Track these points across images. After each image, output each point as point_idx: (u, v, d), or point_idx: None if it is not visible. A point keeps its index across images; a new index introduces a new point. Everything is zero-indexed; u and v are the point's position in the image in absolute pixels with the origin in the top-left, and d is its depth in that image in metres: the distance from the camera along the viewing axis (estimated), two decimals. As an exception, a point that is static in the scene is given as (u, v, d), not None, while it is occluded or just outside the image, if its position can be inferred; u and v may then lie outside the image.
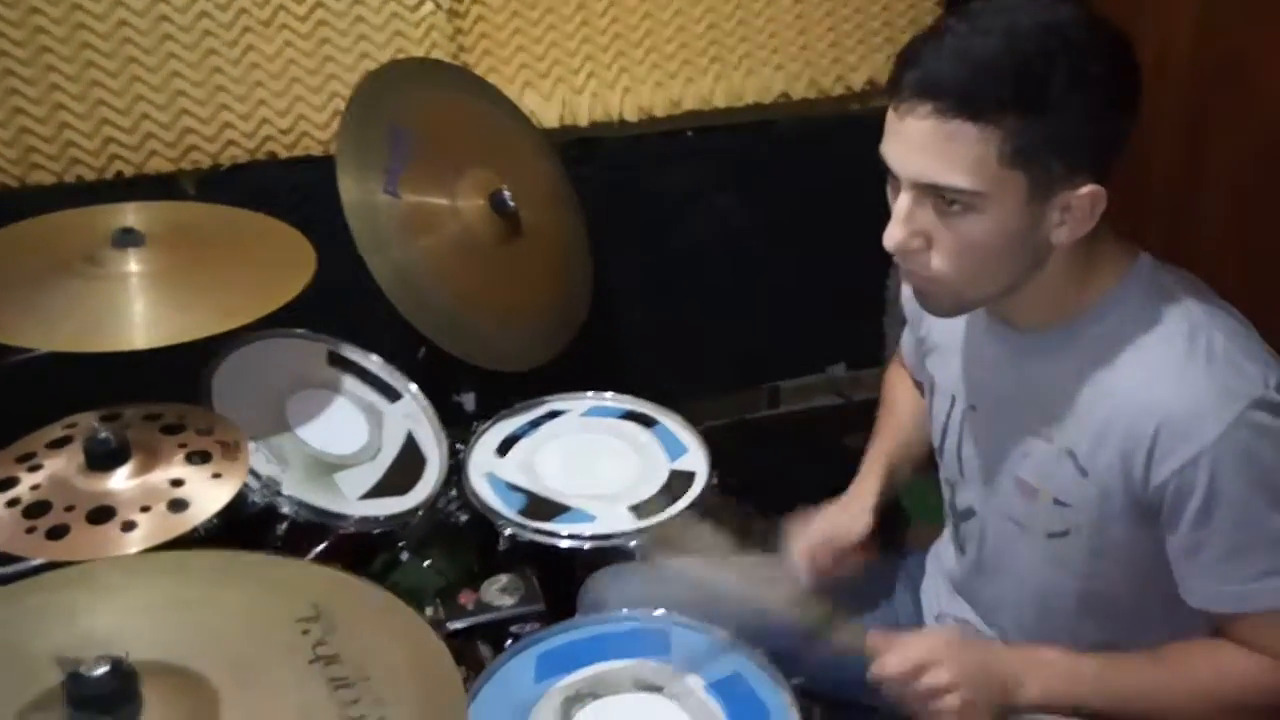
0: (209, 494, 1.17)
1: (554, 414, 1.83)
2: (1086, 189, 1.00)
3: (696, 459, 1.74)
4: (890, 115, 1.02)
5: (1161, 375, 1.04)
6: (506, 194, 1.75)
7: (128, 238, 1.38)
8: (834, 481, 1.46)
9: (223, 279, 1.40)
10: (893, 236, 1.03)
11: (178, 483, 1.18)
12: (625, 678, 1.30)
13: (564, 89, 2.07)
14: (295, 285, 1.41)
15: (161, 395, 1.43)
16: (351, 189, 1.60)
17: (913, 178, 1.00)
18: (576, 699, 1.27)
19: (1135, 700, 1.12)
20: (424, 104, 1.77)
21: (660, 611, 1.38)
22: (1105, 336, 1.08)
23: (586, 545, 1.56)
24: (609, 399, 1.87)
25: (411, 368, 1.73)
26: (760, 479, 2.20)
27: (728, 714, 1.26)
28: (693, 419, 1.83)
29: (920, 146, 0.99)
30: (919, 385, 1.43)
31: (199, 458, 1.22)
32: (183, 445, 1.23)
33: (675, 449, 1.77)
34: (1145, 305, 1.07)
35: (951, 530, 1.33)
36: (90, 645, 0.70)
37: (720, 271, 2.33)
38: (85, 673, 0.69)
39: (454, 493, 1.63)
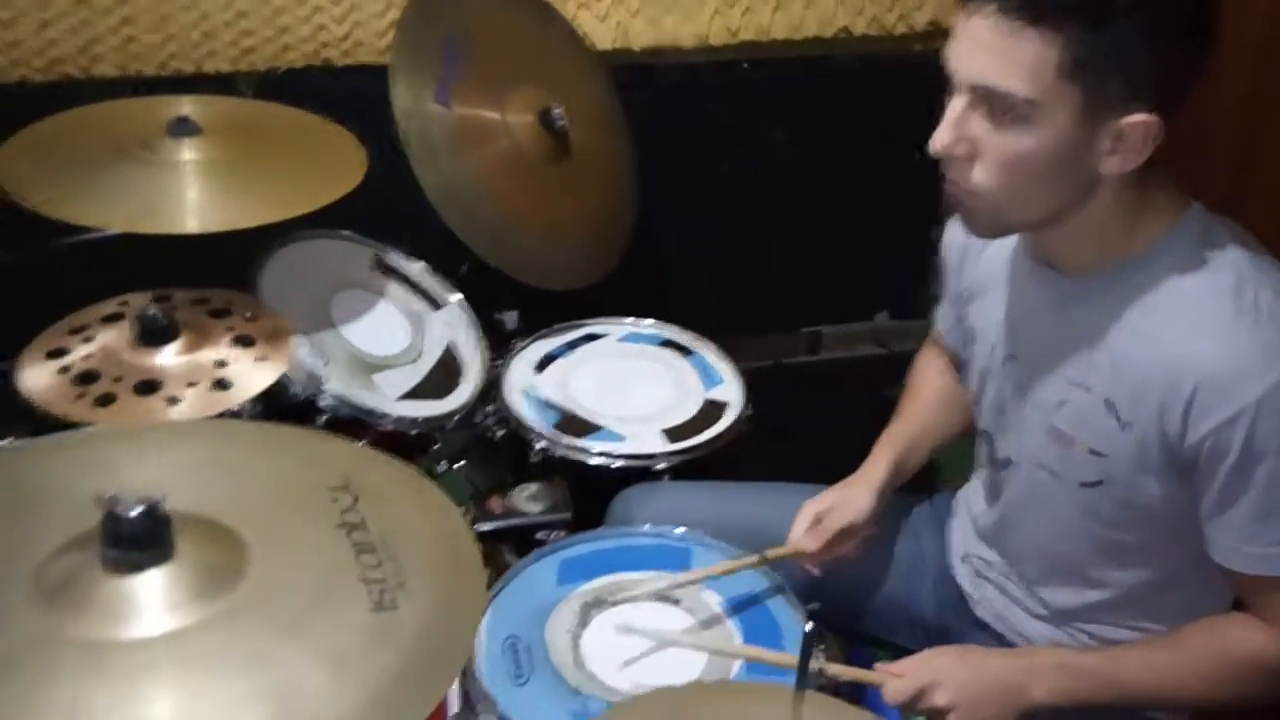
0: (252, 376, 1.20)
1: (592, 337, 1.84)
2: (1142, 117, 0.97)
3: (732, 390, 1.75)
4: (958, 17, 1.00)
5: (1204, 329, 1.02)
6: (557, 112, 1.75)
7: (184, 127, 1.40)
8: (871, 433, 1.45)
9: (274, 172, 1.43)
10: (940, 139, 1.01)
11: (222, 363, 1.21)
12: (644, 587, 1.32)
13: (620, 11, 2.05)
14: (345, 184, 1.43)
15: (211, 284, 1.46)
16: (404, 96, 1.61)
17: (969, 79, 0.99)
18: (596, 603, 1.30)
19: (1142, 687, 1.12)
20: (479, 16, 1.76)
21: (683, 529, 1.40)
22: (1150, 284, 1.06)
23: (616, 463, 1.58)
24: (648, 326, 1.88)
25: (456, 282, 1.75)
26: (795, 425, 2.21)
27: (741, 629, 1.28)
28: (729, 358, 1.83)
29: (981, 46, 0.97)
30: (955, 361, 1.41)
31: (244, 342, 1.25)
32: (230, 329, 1.26)
33: (711, 378, 1.78)
34: (1193, 255, 1.05)
35: (986, 479, 1.32)
36: (130, 492, 0.72)
37: (766, 210, 2.32)
38: (122, 512, 0.72)
39: (491, 407, 1.66)
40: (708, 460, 1.66)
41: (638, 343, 1.85)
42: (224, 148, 1.42)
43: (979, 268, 1.25)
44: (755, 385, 1.77)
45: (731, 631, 1.28)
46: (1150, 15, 0.95)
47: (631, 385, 1.74)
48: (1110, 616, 1.23)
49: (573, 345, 1.82)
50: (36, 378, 1.15)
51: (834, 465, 1.53)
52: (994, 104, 0.98)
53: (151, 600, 0.73)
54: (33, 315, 1.41)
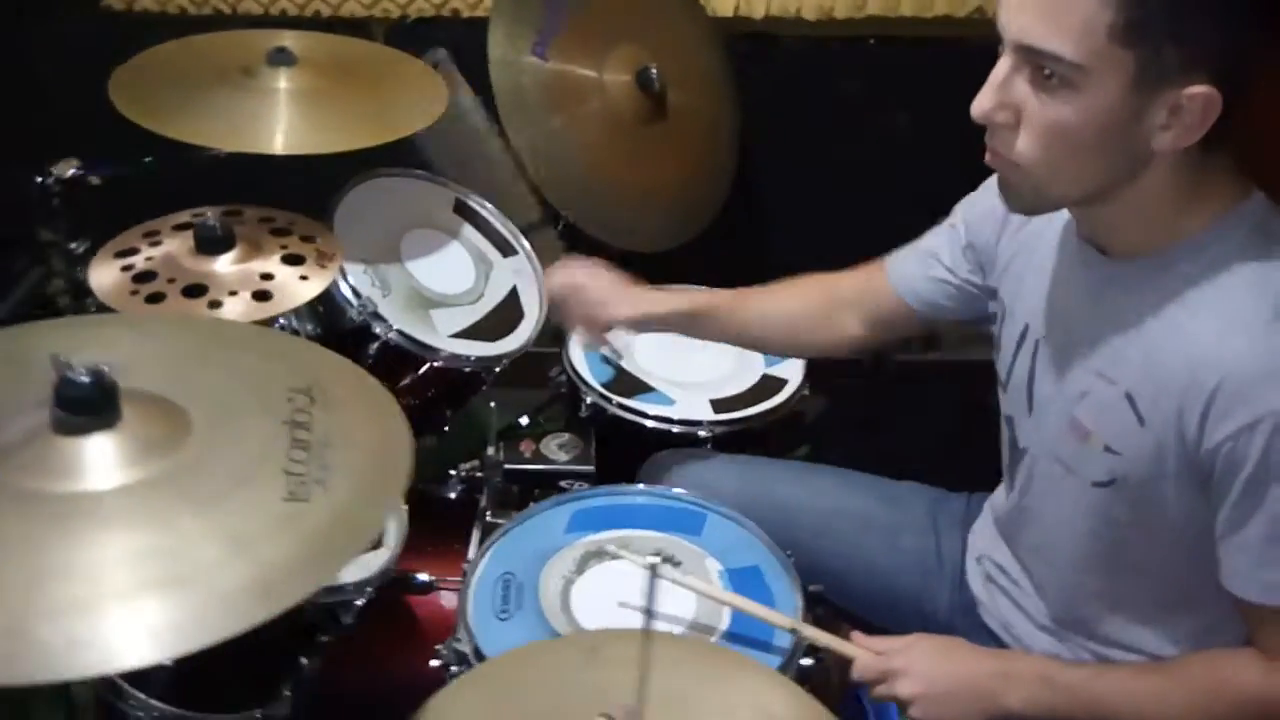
0: (292, 291, 1.28)
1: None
2: (1200, 89, 0.89)
3: (793, 367, 1.73)
4: None
5: (1237, 327, 0.94)
6: (654, 72, 1.76)
7: (281, 56, 1.49)
8: (963, 438, 1.41)
9: (358, 103, 1.50)
10: (981, 103, 0.95)
11: (268, 276, 1.29)
12: (648, 546, 1.32)
13: (744, -23, 2.04)
14: (424, 119, 1.50)
15: (296, 207, 1.56)
16: (500, 45, 1.66)
17: (1014, 38, 0.93)
18: (596, 554, 1.31)
19: (1123, 711, 1.05)
20: (590, -28, 1.79)
21: (697, 495, 1.39)
22: (1194, 275, 0.98)
23: (659, 425, 1.59)
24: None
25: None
26: (886, 420, 2.15)
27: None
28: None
29: (1029, 4, 0.91)
30: (900, 304, 1.35)
31: (293, 260, 1.32)
32: (284, 246, 1.34)
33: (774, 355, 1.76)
34: (1245, 248, 0.97)
35: (1006, 466, 1.26)
36: (81, 360, 0.79)
37: (881, 196, 2.24)
38: (73, 376, 0.79)
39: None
40: (758, 435, 1.65)
41: (711, 313, 1.84)
42: (316, 78, 1.50)
43: (1018, 239, 1.18)
44: (852, 378, 1.73)
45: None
46: None
47: (693, 353, 1.74)
48: (1116, 634, 1.15)
49: (645, 309, 1.82)
50: (103, 273, 1.26)
51: (918, 463, 1.50)
52: (1040, 67, 0.92)
53: (94, 461, 0.80)
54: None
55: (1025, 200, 1.02)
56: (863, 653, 1.14)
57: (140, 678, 1.17)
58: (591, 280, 1.49)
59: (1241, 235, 0.97)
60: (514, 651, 0.96)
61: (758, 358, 1.75)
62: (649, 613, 0.72)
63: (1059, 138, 0.94)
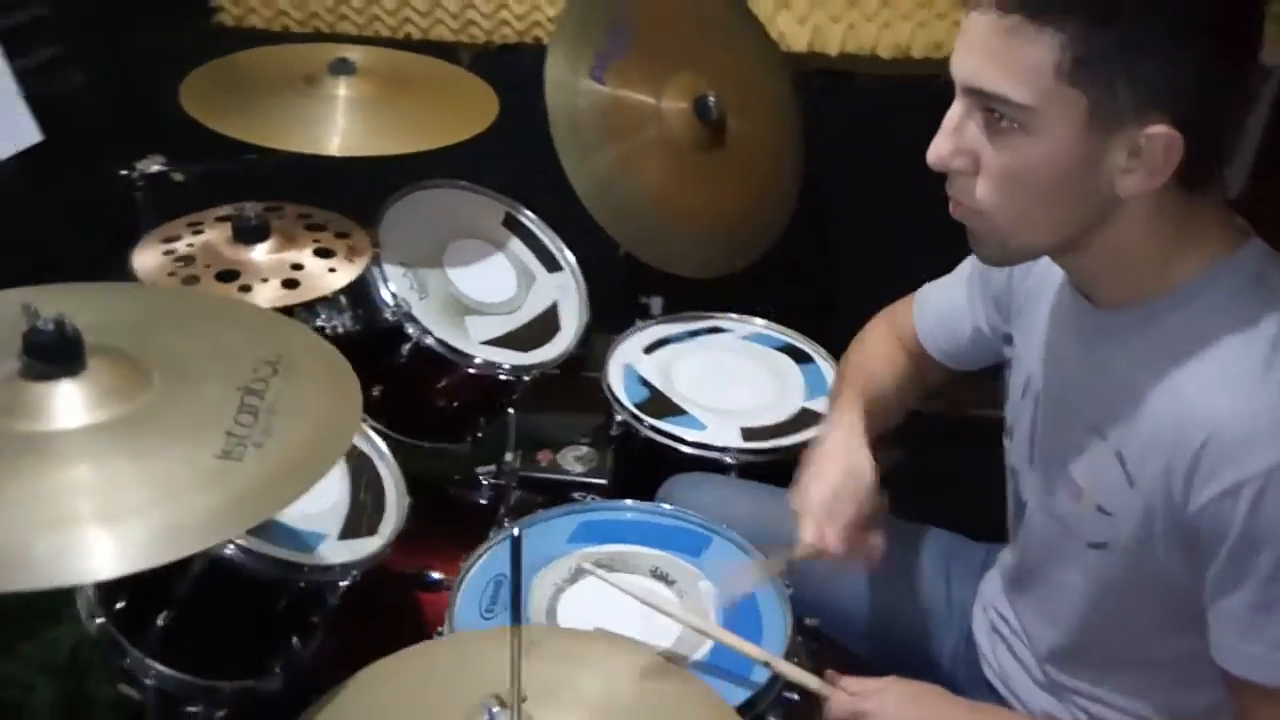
0: (318, 281, 1.34)
1: (716, 330, 1.84)
2: (1158, 129, 0.84)
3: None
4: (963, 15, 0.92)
5: (1226, 383, 0.88)
6: (712, 100, 1.76)
7: (342, 66, 1.57)
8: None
9: (412, 111, 1.57)
10: (936, 150, 0.91)
11: (298, 266, 1.35)
12: (646, 563, 1.31)
13: (820, 14, 2.03)
14: (473, 129, 1.55)
15: (353, 210, 1.63)
16: (559, 67, 1.69)
17: (963, 81, 0.89)
18: (592, 566, 1.30)
19: None
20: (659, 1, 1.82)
21: (709, 520, 1.37)
22: (1184, 326, 0.92)
23: (685, 449, 1.57)
24: (774, 329, 1.85)
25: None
26: (946, 475, 2.08)
27: (721, 620, 1.24)
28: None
29: (976, 45, 0.87)
30: (923, 356, 1.30)
31: (324, 253, 1.38)
32: (317, 240, 1.41)
33: (817, 388, 1.72)
34: (1238, 298, 0.90)
35: (1010, 519, 1.20)
36: (47, 310, 0.85)
37: (954, 244, 2.19)
38: (40, 325, 0.84)
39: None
40: (785, 467, 1.61)
41: (759, 343, 1.82)
42: (373, 87, 1.58)
43: (1028, 284, 1.13)
44: (916, 429, 1.67)
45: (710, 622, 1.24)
46: (1166, 16, 0.82)
47: (732, 381, 1.72)
48: (1114, 698, 1.07)
49: (694, 334, 1.82)
50: (147, 256, 1.34)
51: (968, 518, 1.45)
52: (991, 110, 0.88)
53: (57, 405, 0.85)
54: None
55: (992, 250, 0.97)
56: (836, 692, 1.10)
57: (141, 641, 1.23)
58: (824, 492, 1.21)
59: (1234, 284, 0.91)
60: (451, 637, 0.95)
61: (798, 390, 1.72)
62: (516, 608, 0.71)
63: (1016, 183, 0.90)
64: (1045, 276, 1.10)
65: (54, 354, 0.85)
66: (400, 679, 0.89)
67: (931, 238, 2.27)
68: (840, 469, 1.20)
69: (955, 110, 0.91)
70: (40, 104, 1.68)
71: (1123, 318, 0.96)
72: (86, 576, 0.74)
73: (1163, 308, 0.93)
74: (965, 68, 0.89)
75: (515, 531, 0.70)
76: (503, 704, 0.77)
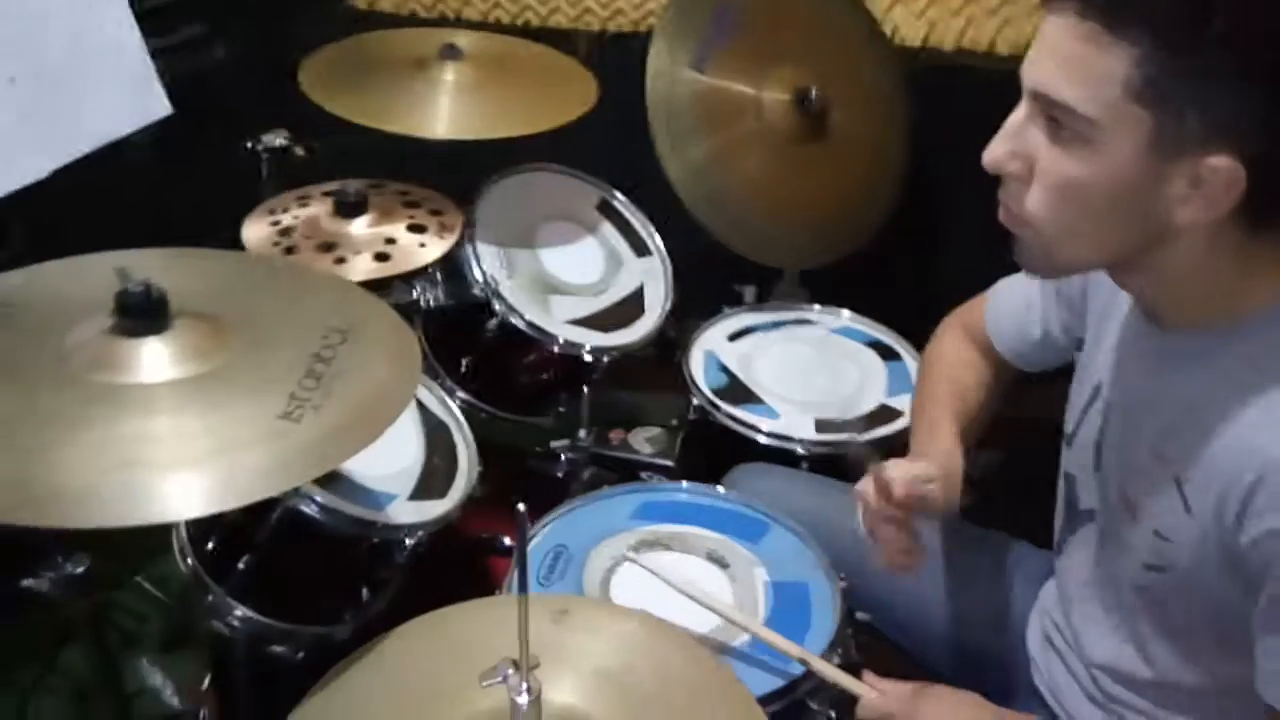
0: (409, 255, 1.41)
1: (803, 322, 1.85)
2: (1222, 161, 0.82)
3: (909, 400, 1.67)
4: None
5: None
6: (813, 93, 1.76)
7: (451, 52, 1.64)
8: None
9: (515, 96, 1.63)
10: (993, 152, 0.91)
11: (391, 240, 1.43)
12: (702, 545, 1.34)
13: (938, 9, 1.99)
14: (574, 112, 1.61)
15: (454, 189, 1.70)
16: (660, 56, 1.72)
17: (1031, 85, 0.89)
18: (649, 544, 1.34)
19: None
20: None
21: (770, 509, 1.38)
22: (1249, 359, 0.89)
23: (758, 437, 1.59)
24: (863, 323, 1.84)
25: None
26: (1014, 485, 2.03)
27: (769, 611, 1.26)
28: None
29: (1049, 50, 0.87)
30: (996, 359, 1.28)
31: (417, 229, 1.45)
32: (411, 217, 1.48)
33: (900, 385, 1.71)
34: None
35: (1060, 527, 1.18)
36: (138, 274, 0.93)
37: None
38: (130, 287, 0.93)
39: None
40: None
41: (847, 336, 1.82)
42: (479, 72, 1.65)
43: (1103, 292, 1.10)
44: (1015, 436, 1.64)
45: (760, 610, 1.26)
46: (1245, 49, 0.79)
47: (814, 373, 1.73)
48: (1166, 716, 1.05)
49: (778, 325, 1.83)
50: (255, 228, 1.44)
51: (1032, 524, 1.43)
52: (1054, 116, 0.87)
53: (142, 360, 0.93)
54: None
55: (1037, 261, 0.96)
56: (868, 692, 1.10)
57: (225, 582, 1.33)
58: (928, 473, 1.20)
59: None
60: (482, 600, 1.01)
61: (880, 385, 1.71)
62: (523, 574, 0.75)
63: (1069, 194, 0.88)
64: (1115, 287, 1.08)
65: (141, 314, 0.93)
66: (432, 636, 0.94)
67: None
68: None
69: (1018, 113, 0.90)
70: (180, 80, 1.82)
71: (1188, 342, 0.94)
72: (148, 518, 0.81)
73: (1228, 338, 0.91)
74: (1036, 71, 0.88)
75: (521, 506, 0.74)
76: (517, 667, 0.82)
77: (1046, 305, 1.21)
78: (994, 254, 2.24)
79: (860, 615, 1.28)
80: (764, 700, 1.11)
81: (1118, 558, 1.04)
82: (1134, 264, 0.92)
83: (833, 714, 1.15)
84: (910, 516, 1.18)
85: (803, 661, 1.14)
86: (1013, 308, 1.27)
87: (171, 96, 1.56)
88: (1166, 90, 0.81)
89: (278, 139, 1.76)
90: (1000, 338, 1.28)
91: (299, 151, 1.77)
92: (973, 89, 2.06)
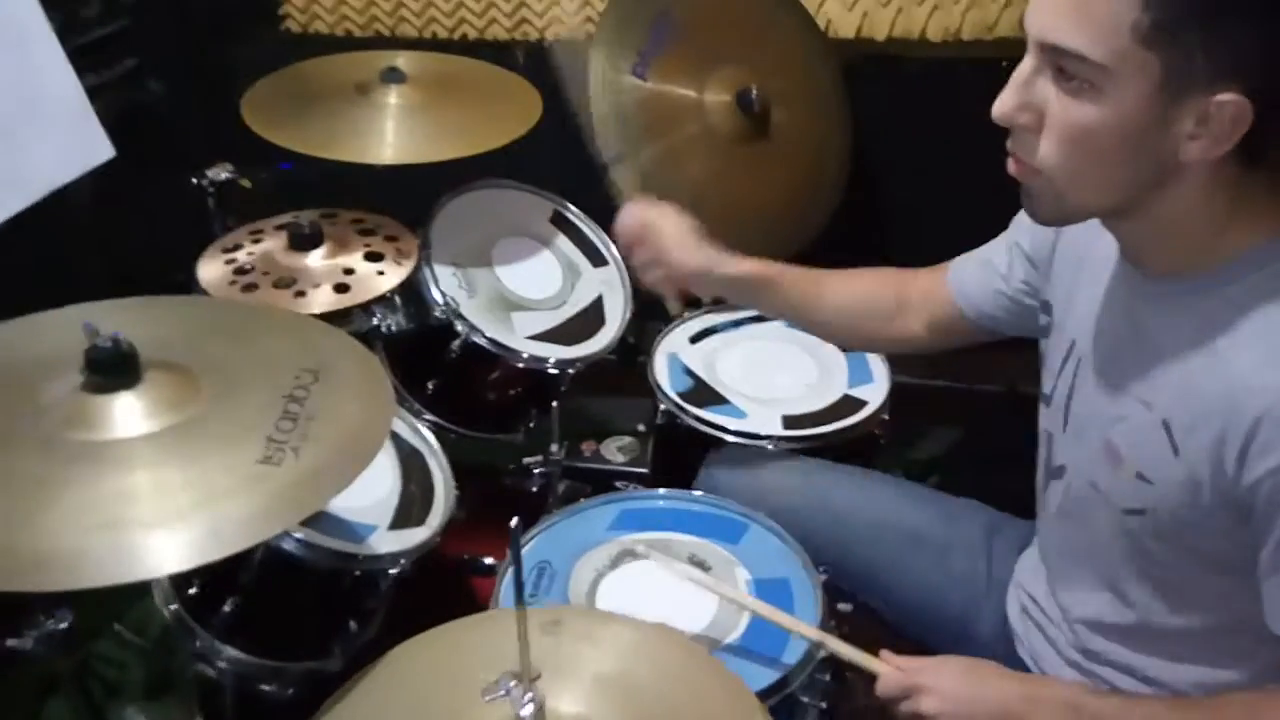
0: (368, 284, 1.41)
1: (761, 319, 1.87)
2: (1230, 98, 0.84)
3: (876, 390, 1.70)
4: None
5: None
6: (754, 93, 1.79)
7: (392, 75, 1.64)
8: None
9: (459, 117, 1.63)
10: (1002, 104, 0.92)
11: (349, 271, 1.43)
12: (684, 549, 1.35)
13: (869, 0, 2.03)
14: (518, 130, 1.60)
15: (406, 213, 1.70)
16: (601, 64, 1.73)
17: (1037, 35, 0.90)
18: (631, 553, 1.35)
19: None
20: (702, -3, 1.85)
21: (749, 506, 1.41)
22: (1238, 300, 0.92)
23: (727, 437, 1.61)
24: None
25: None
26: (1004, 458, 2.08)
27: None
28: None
29: (1054, 0, 0.88)
30: (955, 311, 1.31)
31: (374, 257, 1.45)
32: (367, 245, 1.48)
33: (860, 376, 1.74)
34: None
35: (1040, 486, 1.21)
36: (105, 328, 0.93)
37: (1003, 228, 2.17)
38: (99, 343, 0.92)
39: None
40: (826, 454, 1.64)
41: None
42: (422, 93, 1.65)
43: (1074, 251, 1.13)
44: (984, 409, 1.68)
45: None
46: None
47: (776, 369, 1.75)
48: (1147, 669, 1.09)
49: (739, 324, 1.85)
50: (210, 268, 1.43)
51: (1016, 494, 1.46)
52: (1063, 66, 0.88)
53: (116, 416, 0.93)
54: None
55: (1047, 209, 0.98)
56: (887, 668, 1.11)
57: (211, 626, 1.32)
58: (665, 223, 1.41)
59: None
60: (473, 617, 1.02)
61: (841, 377, 1.74)
62: (519, 589, 0.77)
63: (1081, 142, 0.90)
64: (1090, 244, 1.10)
65: (112, 369, 0.93)
66: (428, 656, 0.95)
67: (981, 223, 2.26)
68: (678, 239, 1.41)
69: (1026, 65, 0.92)
70: (119, 116, 1.79)
71: (1175, 287, 0.97)
72: (137, 575, 0.81)
73: (1215, 280, 0.94)
74: (1041, 22, 0.89)
75: (513, 522, 0.75)
76: (519, 680, 0.83)
77: (1011, 265, 1.25)
78: (936, 236, 2.30)
79: (842, 606, 1.30)
80: (758, 696, 1.14)
81: (1097, 508, 1.06)
82: (1137, 207, 0.94)
83: (823, 705, 1.18)
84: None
85: (819, 642, 1.16)
86: (977, 263, 1.30)
87: (112, 134, 1.55)
88: (1174, 32, 0.83)
89: (222, 172, 1.74)
90: (959, 286, 1.31)
91: (245, 184, 1.76)
92: (907, 76, 2.11)
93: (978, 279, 1.29)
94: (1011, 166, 0.97)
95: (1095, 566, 1.10)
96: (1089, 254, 1.10)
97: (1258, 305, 0.91)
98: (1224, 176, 0.90)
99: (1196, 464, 0.94)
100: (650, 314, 1.87)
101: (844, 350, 1.78)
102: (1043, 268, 1.19)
